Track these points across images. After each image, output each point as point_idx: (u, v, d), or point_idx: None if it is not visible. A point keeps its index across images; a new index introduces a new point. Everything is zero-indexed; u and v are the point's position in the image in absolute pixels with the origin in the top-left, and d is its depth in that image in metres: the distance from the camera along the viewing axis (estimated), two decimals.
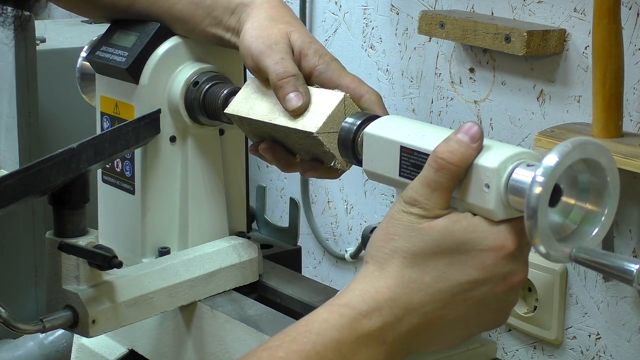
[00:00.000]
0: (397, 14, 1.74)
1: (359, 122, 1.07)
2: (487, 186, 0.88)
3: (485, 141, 0.93)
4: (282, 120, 1.14)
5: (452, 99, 1.67)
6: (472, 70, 1.63)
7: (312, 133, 1.10)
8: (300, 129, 1.12)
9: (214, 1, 1.26)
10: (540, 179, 0.83)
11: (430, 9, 1.68)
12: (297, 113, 1.13)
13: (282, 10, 1.23)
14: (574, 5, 1.46)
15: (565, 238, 0.88)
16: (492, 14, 1.57)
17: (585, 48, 1.45)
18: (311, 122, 1.11)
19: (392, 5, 1.75)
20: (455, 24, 1.54)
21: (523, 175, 0.87)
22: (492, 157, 0.88)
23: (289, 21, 1.21)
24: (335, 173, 1.16)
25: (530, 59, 1.53)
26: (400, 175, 0.97)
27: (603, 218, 0.88)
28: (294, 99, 1.13)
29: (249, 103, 1.19)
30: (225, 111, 1.22)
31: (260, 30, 1.19)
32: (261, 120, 1.16)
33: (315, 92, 1.14)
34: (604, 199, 0.88)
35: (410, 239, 0.90)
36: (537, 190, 0.83)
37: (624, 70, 1.35)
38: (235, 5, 1.24)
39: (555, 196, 0.85)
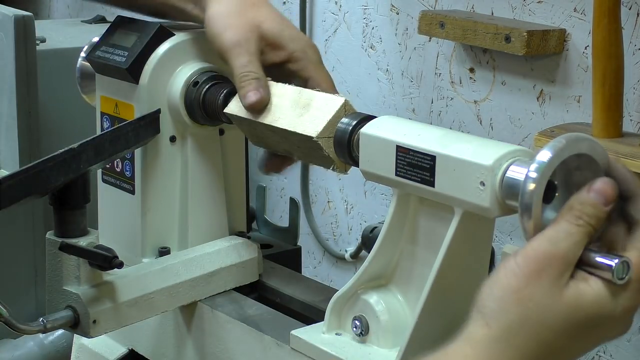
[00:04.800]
0: (397, 14, 1.74)
1: (354, 123, 1.07)
2: (482, 184, 0.88)
3: (480, 139, 0.93)
4: (282, 123, 1.14)
5: (452, 98, 1.67)
6: (472, 70, 1.63)
7: (312, 137, 1.09)
8: (301, 132, 1.11)
9: None
10: (533, 175, 0.83)
11: (430, 9, 1.68)
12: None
13: None
14: (574, 5, 1.46)
15: None
16: (492, 14, 1.57)
17: (585, 48, 1.45)
18: (311, 127, 1.11)
19: (392, 5, 1.75)
20: (455, 24, 1.54)
21: (517, 172, 0.87)
22: (487, 154, 0.89)
23: (256, 3, 1.19)
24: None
25: (530, 59, 1.52)
26: (396, 174, 0.97)
27: None
28: (251, 95, 1.14)
29: None
30: (224, 111, 1.22)
31: (228, 17, 1.18)
32: (261, 122, 1.16)
33: (315, 95, 1.14)
34: None
35: (544, 313, 0.83)
36: (531, 186, 0.83)
37: (624, 70, 1.35)
38: None
39: (550, 192, 0.85)
